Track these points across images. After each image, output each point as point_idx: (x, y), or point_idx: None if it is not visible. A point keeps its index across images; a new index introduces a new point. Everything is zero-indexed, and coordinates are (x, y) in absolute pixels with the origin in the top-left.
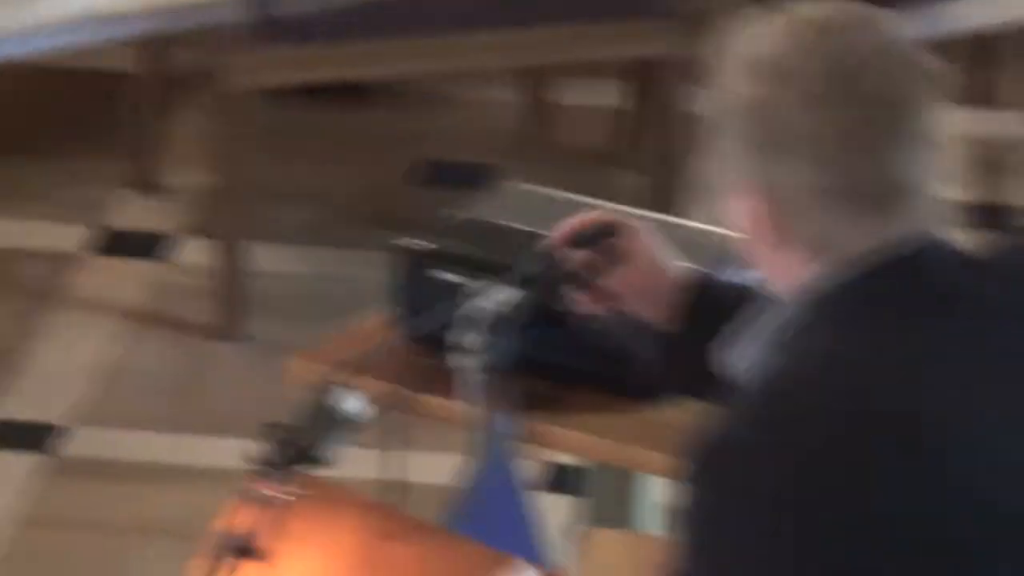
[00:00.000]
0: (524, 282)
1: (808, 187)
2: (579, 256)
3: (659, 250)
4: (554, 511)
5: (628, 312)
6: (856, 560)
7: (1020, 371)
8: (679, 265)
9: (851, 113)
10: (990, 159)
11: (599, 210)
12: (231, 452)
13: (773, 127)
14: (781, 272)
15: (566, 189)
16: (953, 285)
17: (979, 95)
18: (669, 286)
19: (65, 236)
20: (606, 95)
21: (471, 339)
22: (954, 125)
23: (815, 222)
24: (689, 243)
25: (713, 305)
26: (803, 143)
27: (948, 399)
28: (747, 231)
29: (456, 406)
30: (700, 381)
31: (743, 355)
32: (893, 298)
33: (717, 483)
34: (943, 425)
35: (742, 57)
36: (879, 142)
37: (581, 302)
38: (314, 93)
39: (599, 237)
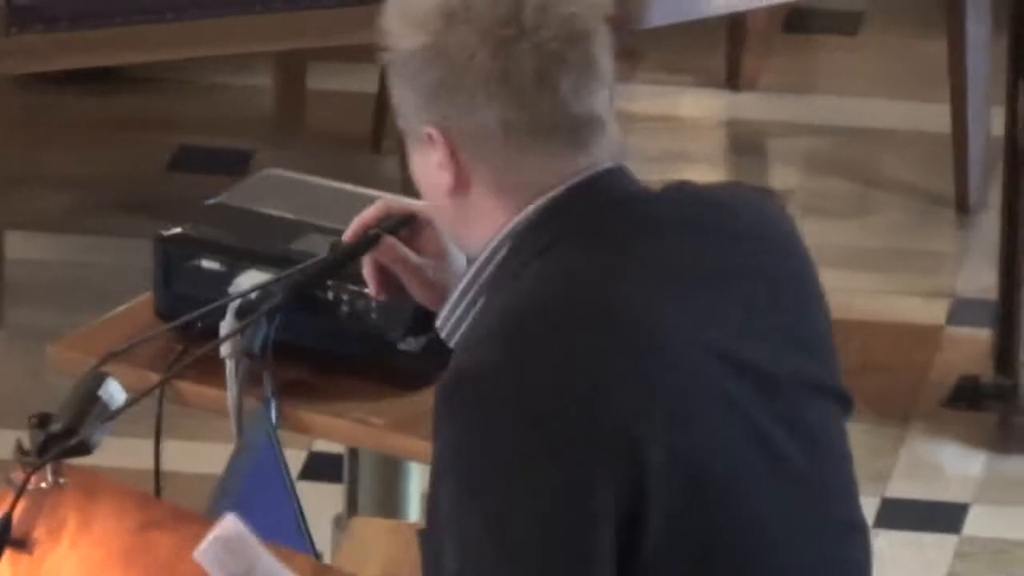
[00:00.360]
0: (287, 265)
1: (493, 126)
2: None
3: (445, 241)
4: (317, 499)
5: (409, 298)
6: (609, 468)
7: (699, 278)
8: (460, 255)
9: (528, 49)
10: (745, 142)
11: (393, 200)
12: None
13: (452, 69)
14: (475, 223)
15: (323, 175)
16: (639, 205)
17: (735, 78)
18: (451, 275)
19: None
20: (363, 80)
21: (228, 326)
22: (712, 108)
23: (504, 161)
24: None
25: None
26: (483, 82)
27: (651, 305)
28: (438, 186)
29: (217, 393)
30: None
31: (455, 313)
32: (587, 220)
33: (467, 417)
34: (657, 325)
35: (414, 5)
36: (559, 77)
37: (375, 289)
38: (66, 79)
39: (399, 226)
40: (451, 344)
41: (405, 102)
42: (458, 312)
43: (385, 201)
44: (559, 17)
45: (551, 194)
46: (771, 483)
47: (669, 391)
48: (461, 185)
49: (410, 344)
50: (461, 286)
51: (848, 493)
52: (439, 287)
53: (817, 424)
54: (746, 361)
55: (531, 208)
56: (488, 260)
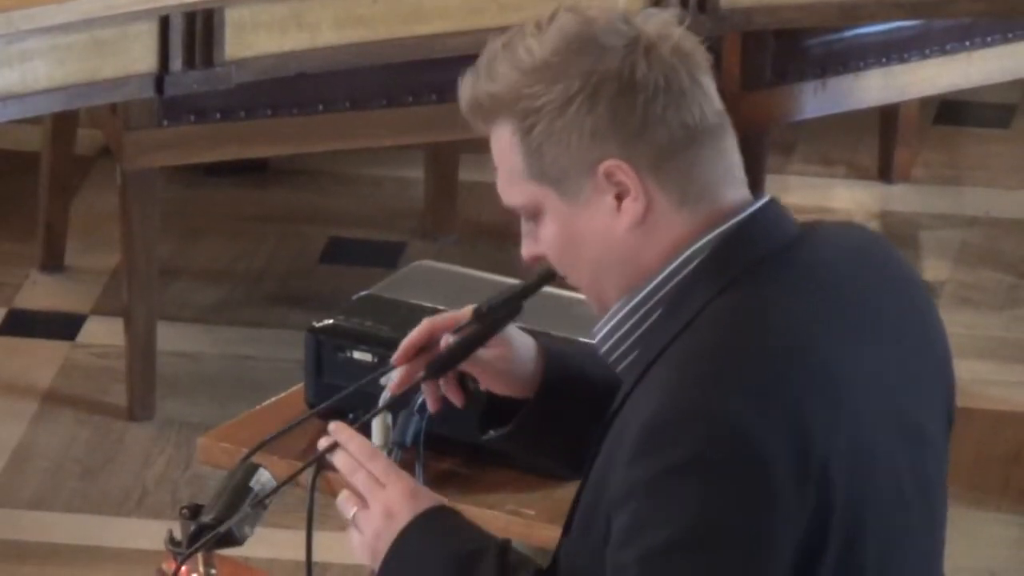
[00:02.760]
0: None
1: (674, 134)
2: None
3: (518, 333)
4: None
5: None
6: (805, 507)
7: (866, 321)
8: (530, 342)
9: (670, 51)
10: (897, 233)
11: (439, 319)
12: (141, 532)
13: (620, 92)
14: (650, 249)
15: (475, 267)
16: (807, 248)
17: (887, 170)
18: (530, 364)
19: None
20: None
21: (379, 417)
22: (864, 199)
23: (688, 167)
24: (581, 315)
25: (564, 373)
26: (652, 94)
27: (844, 355)
28: (613, 228)
29: None
30: (551, 450)
31: (621, 328)
32: (765, 260)
33: (684, 454)
34: (849, 375)
35: (529, 55)
36: (701, 75)
37: (431, 404)
38: (218, 171)
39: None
40: (612, 356)
41: (565, 155)
42: (626, 327)
43: (430, 320)
44: (663, 24)
45: (729, 224)
46: (904, 535)
47: (856, 439)
48: (649, 209)
49: (497, 433)
50: (634, 302)
51: (942, 549)
52: (511, 376)
53: (936, 478)
54: (902, 415)
55: (714, 234)
56: (673, 274)
